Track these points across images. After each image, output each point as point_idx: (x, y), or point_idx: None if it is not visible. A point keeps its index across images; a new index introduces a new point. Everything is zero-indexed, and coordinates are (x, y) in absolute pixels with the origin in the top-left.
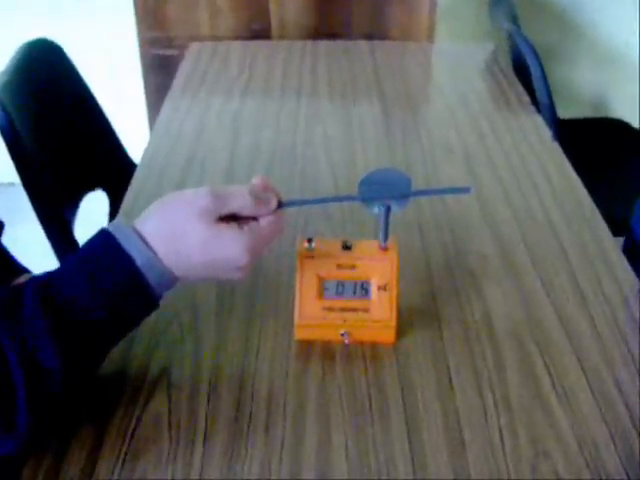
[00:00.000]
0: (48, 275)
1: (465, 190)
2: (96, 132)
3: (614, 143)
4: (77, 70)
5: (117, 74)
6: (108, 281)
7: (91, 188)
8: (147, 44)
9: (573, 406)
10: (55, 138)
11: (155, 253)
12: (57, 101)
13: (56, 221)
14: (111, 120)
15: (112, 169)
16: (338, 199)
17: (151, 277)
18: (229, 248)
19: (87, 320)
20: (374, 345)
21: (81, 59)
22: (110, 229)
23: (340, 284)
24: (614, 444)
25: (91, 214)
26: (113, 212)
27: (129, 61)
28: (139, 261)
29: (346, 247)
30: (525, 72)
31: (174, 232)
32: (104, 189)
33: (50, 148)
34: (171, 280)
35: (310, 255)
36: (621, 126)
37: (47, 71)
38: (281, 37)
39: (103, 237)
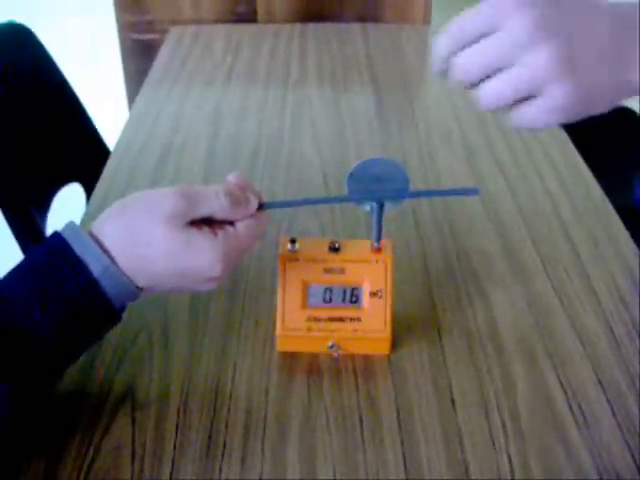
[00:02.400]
0: None
1: (472, 192)
2: (70, 122)
3: (617, 130)
4: (49, 55)
5: (95, 59)
6: (60, 293)
7: (66, 181)
8: (126, 28)
9: (592, 430)
10: (23, 127)
11: (114, 261)
12: (26, 88)
13: (22, 218)
14: (89, 109)
15: (88, 161)
16: (325, 200)
17: (109, 288)
18: (200, 257)
19: (36, 338)
20: (366, 358)
21: (56, 44)
22: (62, 233)
23: (327, 290)
24: None
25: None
26: None
27: (107, 46)
28: (96, 270)
29: (334, 248)
30: None
31: (137, 237)
32: (80, 182)
33: (17, 138)
34: (133, 291)
35: (293, 258)
36: (623, 112)
37: (15, 56)
38: (268, 20)
39: (54, 242)
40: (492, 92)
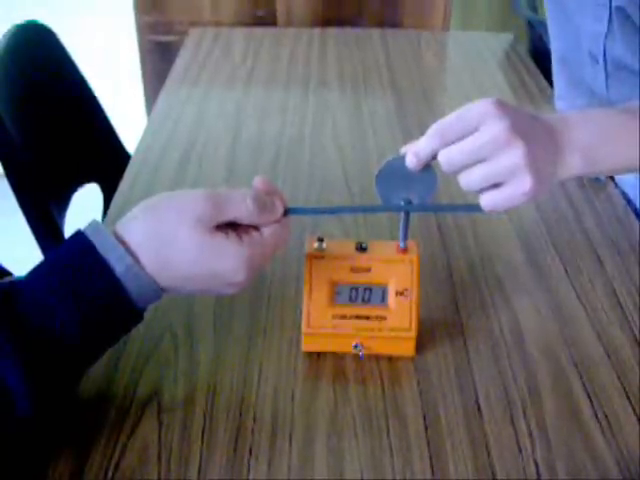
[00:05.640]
0: (11, 283)
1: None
2: (89, 122)
3: None
4: (69, 55)
5: (114, 61)
6: (83, 292)
7: (83, 181)
8: (145, 29)
9: (617, 437)
10: (43, 127)
11: (138, 261)
12: (46, 88)
13: (42, 217)
14: (107, 110)
15: (106, 161)
16: (351, 210)
17: (132, 288)
18: (225, 262)
19: (58, 336)
20: (391, 362)
21: (76, 45)
22: (86, 232)
23: (354, 289)
24: None
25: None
26: (107, 208)
27: (126, 47)
28: (118, 269)
29: (361, 248)
30: (545, 64)
31: (162, 239)
32: (98, 182)
33: (37, 137)
34: (156, 292)
35: (320, 256)
36: None
37: (36, 56)
38: (287, 24)
39: (77, 241)
40: (474, 179)
